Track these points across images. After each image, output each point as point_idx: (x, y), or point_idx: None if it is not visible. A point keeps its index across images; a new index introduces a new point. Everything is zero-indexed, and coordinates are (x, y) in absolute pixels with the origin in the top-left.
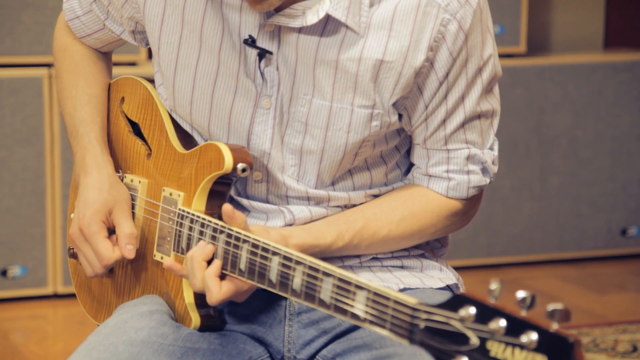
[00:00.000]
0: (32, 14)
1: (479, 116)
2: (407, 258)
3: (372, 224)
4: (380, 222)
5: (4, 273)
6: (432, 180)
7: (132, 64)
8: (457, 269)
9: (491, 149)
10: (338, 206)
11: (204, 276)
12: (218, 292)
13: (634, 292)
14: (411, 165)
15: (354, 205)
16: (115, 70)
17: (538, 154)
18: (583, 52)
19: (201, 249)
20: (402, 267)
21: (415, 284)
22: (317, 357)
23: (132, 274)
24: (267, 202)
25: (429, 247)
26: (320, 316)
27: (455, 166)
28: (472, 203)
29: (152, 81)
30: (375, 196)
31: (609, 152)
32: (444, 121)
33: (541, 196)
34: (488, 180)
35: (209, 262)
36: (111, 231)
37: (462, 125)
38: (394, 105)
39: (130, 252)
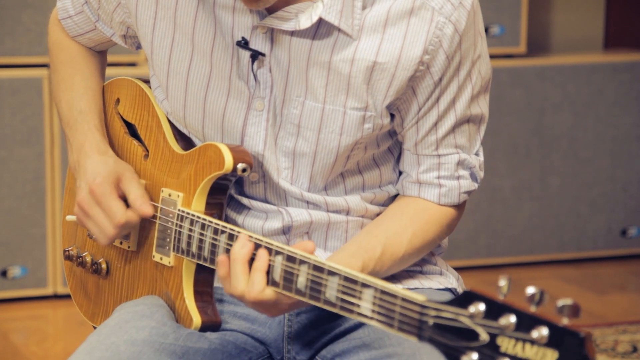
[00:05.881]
0: (32, 14)
1: (468, 120)
2: None
3: (389, 248)
4: (396, 244)
5: (4, 273)
6: (422, 187)
7: (132, 64)
8: (457, 269)
9: (477, 154)
10: (337, 211)
11: (253, 269)
12: (260, 290)
13: (634, 293)
14: None
15: (354, 211)
16: (115, 71)
17: (538, 155)
18: (583, 53)
19: (241, 250)
20: (402, 270)
21: (414, 285)
22: (316, 357)
23: (131, 275)
24: (267, 201)
25: None
26: (320, 317)
27: (446, 172)
28: (461, 209)
29: (147, 81)
30: (371, 201)
31: (609, 153)
32: (435, 124)
33: (541, 197)
34: (476, 185)
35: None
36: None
37: (453, 129)
38: (388, 107)
39: (147, 209)
